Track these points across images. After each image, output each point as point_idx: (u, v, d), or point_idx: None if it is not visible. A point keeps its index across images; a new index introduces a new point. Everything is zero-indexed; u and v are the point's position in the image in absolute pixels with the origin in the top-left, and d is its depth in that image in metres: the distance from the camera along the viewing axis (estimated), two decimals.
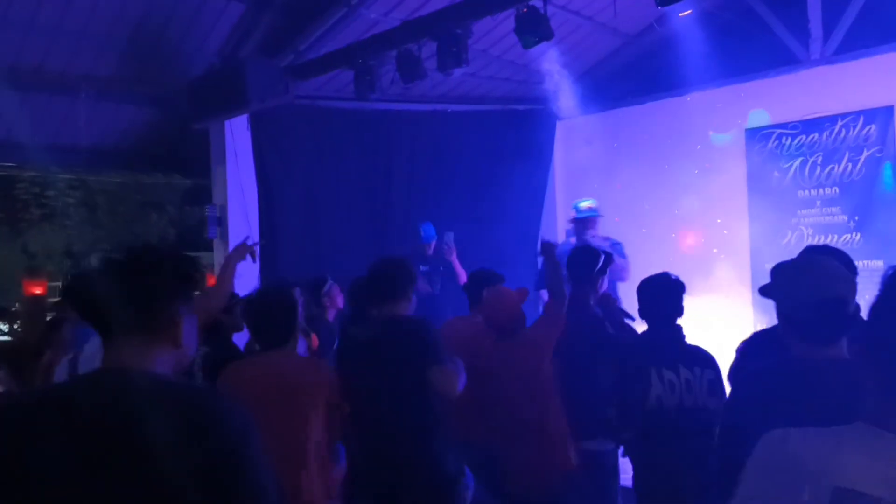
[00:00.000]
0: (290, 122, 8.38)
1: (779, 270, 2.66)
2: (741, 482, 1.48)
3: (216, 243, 8.41)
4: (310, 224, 8.45)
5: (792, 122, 7.78)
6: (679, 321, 3.66)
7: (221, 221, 8.17)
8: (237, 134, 8.20)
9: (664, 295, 3.65)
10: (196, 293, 1.69)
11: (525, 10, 5.94)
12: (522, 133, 9.30)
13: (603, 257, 4.41)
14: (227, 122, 8.14)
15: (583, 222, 6.75)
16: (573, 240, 6.64)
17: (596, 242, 6.14)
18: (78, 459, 1.44)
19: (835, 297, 1.97)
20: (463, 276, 6.83)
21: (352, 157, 8.73)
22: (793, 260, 2.69)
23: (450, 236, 7.19)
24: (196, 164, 9.10)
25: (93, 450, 1.44)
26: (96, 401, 1.50)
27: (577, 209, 6.90)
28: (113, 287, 1.58)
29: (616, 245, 6.44)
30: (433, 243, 7.34)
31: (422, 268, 6.08)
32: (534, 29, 5.95)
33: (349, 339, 3.79)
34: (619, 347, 4.00)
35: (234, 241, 8.19)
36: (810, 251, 3.17)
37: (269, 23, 7.64)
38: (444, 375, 3.31)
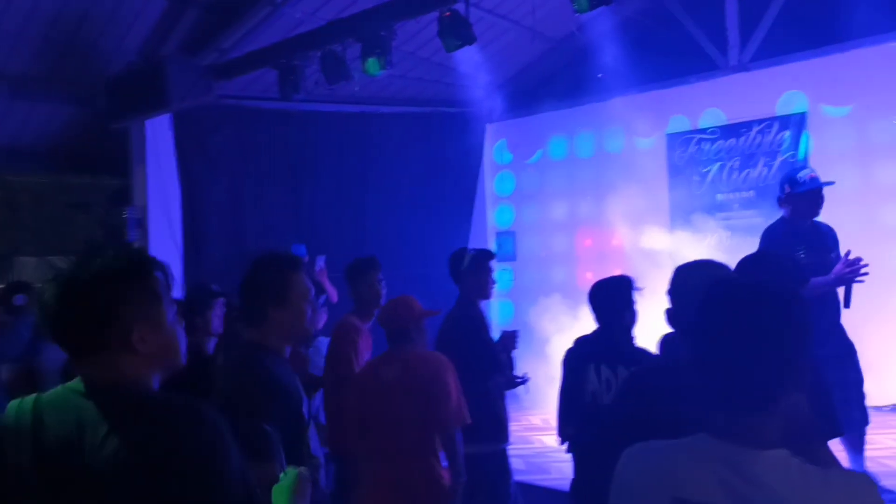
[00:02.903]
0: (214, 122, 8.24)
1: (675, 272, 2.72)
2: (610, 494, 1.52)
3: (137, 246, 8.21)
4: (235, 227, 8.31)
5: (710, 127, 7.99)
6: (634, 325, 3.64)
7: (142, 223, 7.98)
8: (159, 134, 8.02)
9: (612, 295, 3.66)
10: (157, 292, 1.55)
11: (448, 13, 5.96)
12: (452, 135, 9.34)
13: (472, 254, 4.30)
14: (147, 122, 7.96)
15: (810, 197, 4.60)
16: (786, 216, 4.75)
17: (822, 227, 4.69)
18: (43, 477, 1.44)
19: None
20: (334, 295, 6.79)
21: (279, 158, 8.63)
22: (689, 263, 2.75)
23: (321, 259, 7.10)
24: (118, 164, 8.87)
25: (58, 468, 1.43)
26: (62, 418, 1.48)
27: (797, 181, 4.65)
28: (57, 302, 1.51)
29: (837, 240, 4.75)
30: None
31: None
32: (456, 33, 5.98)
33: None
34: (494, 353, 4.01)
35: (154, 244, 8.04)
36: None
37: (191, 20, 7.49)
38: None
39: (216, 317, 4.00)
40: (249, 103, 8.42)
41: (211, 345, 3.96)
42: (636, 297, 3.63)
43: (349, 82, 6.87)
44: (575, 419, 3.65)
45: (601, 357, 3.53)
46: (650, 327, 3.19)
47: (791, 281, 3.10)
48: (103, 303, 1.50)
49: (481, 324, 4.26)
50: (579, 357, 3.64)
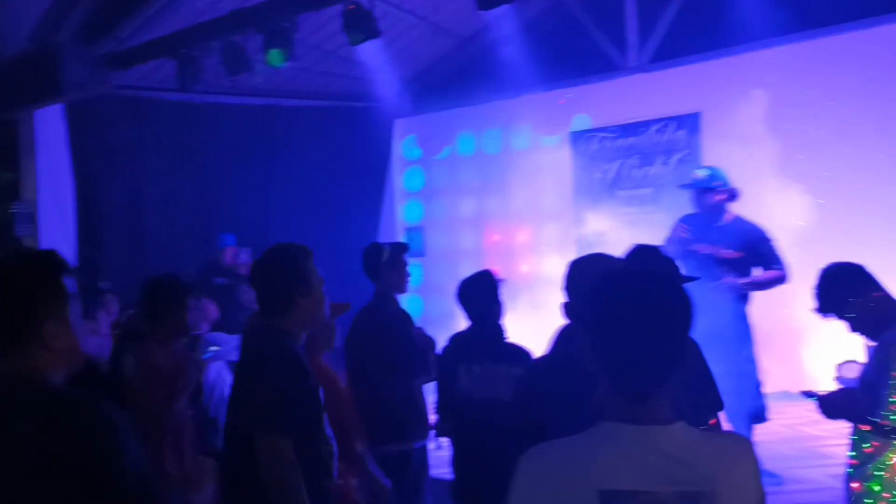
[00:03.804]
0: (111, 113, 7.93)
1: (570, 266, 2.79)
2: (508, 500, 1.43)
3: (27, 242, 7.84)
4: (133, 223, 8.05)
5: (611, 125, 8.22)
6: (502, 319, 3.72)
7: (32, 219, 7.62)
8: (50, 125, 7.67)
9: (480, 292, 3.71)
10: (68, 291, 1.64)
11: (352, 6, 5.94)
12: (360, 130, 9.29)
13: (389, 248, 4.31)
14: (37, 113, 7.60)
15: (690, 194, 5.32)
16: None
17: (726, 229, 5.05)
18: None
19: None
20: None
21: (180, 151, 8.39)
22: (582, 257, 2.82)
23: (246, 252, 6.99)
24: (6, 156, 8.44)
25: None
26: None
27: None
28: None
29: (760, 240, 5.01)
30: (229, 250, 7.07)
31: (217, 280, 5.42)
32: (360, 26, 5.96)
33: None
34: (418, 348, 4.03)
35: (45, 241, 7.69)
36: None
37: (87, 6, 7.19)
38: None
39: (105, 316, 3.85)
40: (148, 94, 8.15)
41: (93, 345, 3.75)
42: (501, 289, 3.71)
43: (251, 74, 6.75)
44: (448, 417, 3.72)
45: (472, 354, 3.60)
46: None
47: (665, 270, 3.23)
48: (20, 299, 1.59)
49: (405, 319, 4.19)
50: (451, 354, 3.70)
